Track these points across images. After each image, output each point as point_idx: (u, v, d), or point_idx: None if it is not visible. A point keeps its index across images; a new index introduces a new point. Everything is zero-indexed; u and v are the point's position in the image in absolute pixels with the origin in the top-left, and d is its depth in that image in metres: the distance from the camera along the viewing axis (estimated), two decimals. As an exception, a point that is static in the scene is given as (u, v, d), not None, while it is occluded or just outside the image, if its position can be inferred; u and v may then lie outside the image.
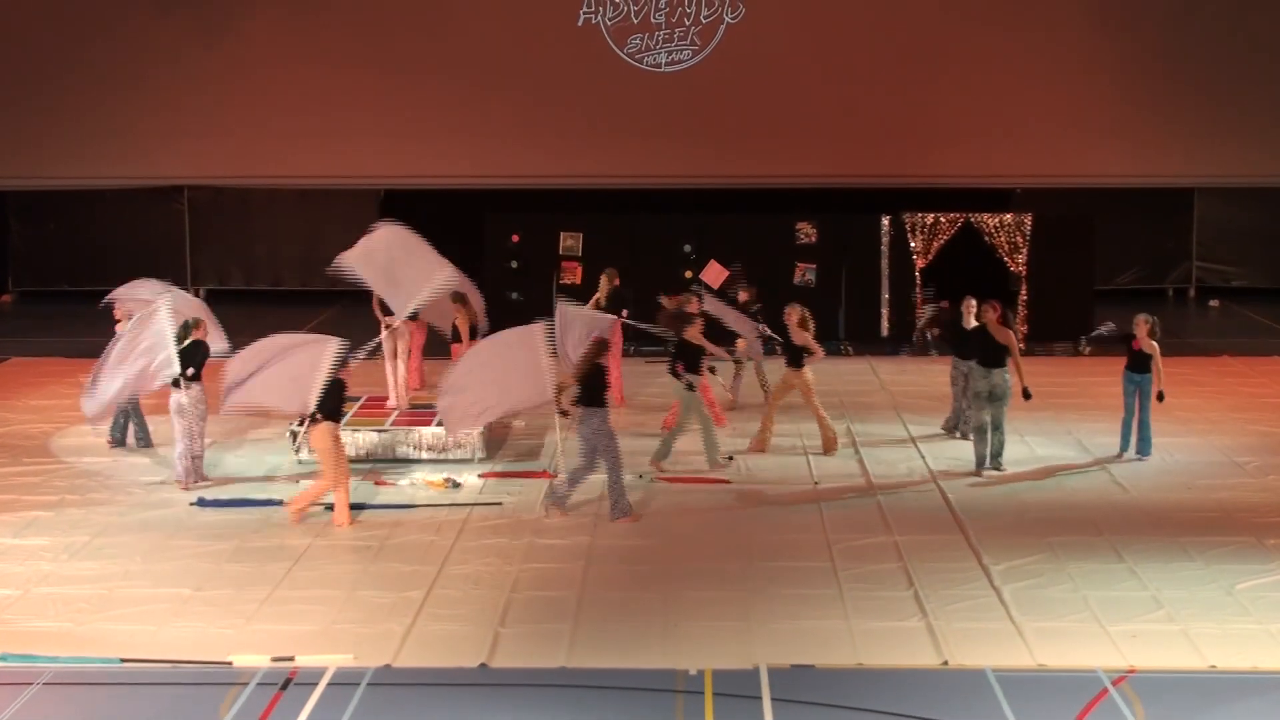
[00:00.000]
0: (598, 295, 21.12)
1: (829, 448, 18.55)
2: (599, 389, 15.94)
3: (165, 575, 14.29)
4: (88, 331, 27.22)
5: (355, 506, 16.38)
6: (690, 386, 17.78)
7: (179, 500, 16.63)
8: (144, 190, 31.37)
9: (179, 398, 17.09)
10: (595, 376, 15.97)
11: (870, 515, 16.08)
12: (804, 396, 18.69)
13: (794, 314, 18.62)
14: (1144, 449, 18.23)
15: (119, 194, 31.54)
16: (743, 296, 20.98)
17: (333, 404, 15.87)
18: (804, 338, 18.47)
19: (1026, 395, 17.76)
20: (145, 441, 18.88)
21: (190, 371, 17.08)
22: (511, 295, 25.97)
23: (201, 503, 16.58)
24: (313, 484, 16.25)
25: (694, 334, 18.05)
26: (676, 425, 18.13)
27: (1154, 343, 18.04)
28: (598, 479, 16.16)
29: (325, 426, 15.77)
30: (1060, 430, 19.60)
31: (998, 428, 17.68)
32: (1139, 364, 18.14)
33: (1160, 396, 18.00)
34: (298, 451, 18.03)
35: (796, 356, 18.59)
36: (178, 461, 17.21)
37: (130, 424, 18.94)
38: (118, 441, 18.90)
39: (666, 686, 11.76)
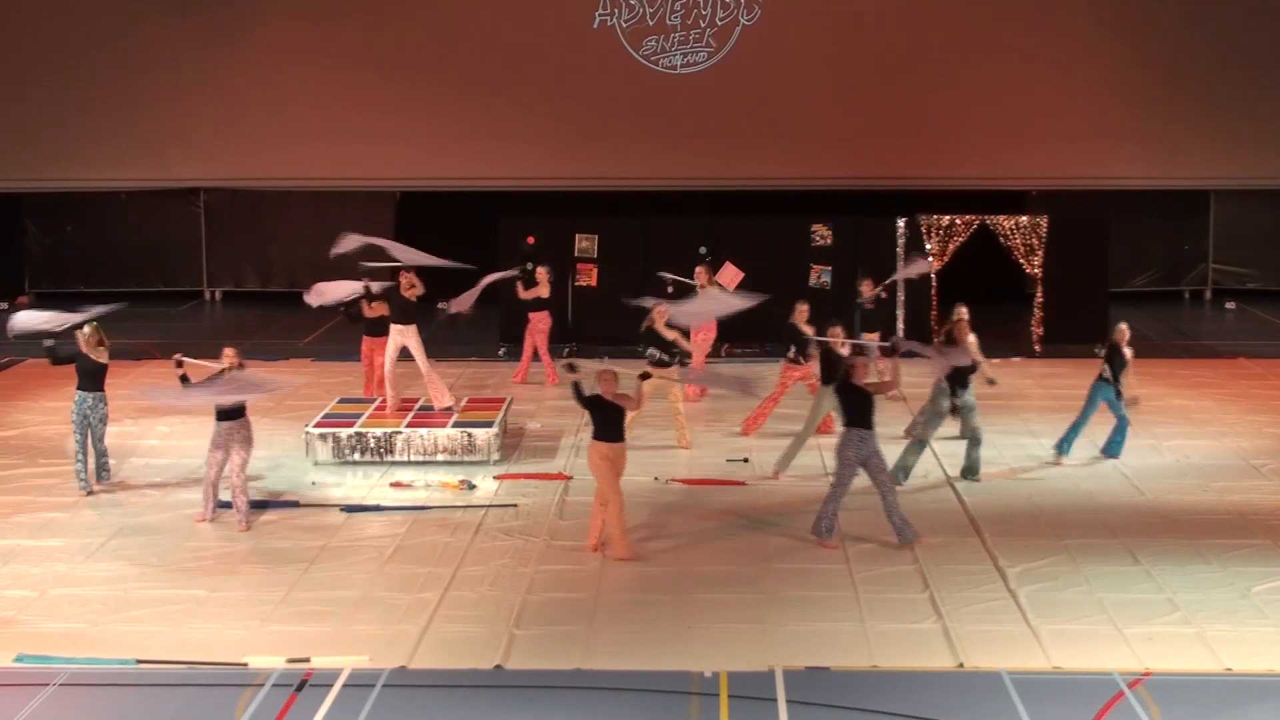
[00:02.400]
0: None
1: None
2: (865, 410, 15.27)
3: (181, 577, 14.32)
4: (104, 333, 27.28)
5: (370, 508, 16.41)
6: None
7: (195, 502, 16.63)
8: (160, 192, 31.42)
9: (235, 430, 16.03)
10: (860, 397, 15.32)
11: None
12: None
13: (659, 314, 18.94)
14: (1113, 450, 18.30)
15: (135, 196, 31.60)
16: (867, 293, 20.93)
17: (614, 428, 15.04)
18: (674, 334, 18.90)
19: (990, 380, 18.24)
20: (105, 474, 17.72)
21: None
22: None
23: (218, 504, 16.60)
24: (606, 515, 15.04)
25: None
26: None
27: (1128, 349, 18.11)
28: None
29: (597, 446, 14.99)
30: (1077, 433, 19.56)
31: (977, 442, 17.62)
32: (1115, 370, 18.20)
33: (1119, 395, 18.09)
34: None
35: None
36: (238, 500, 16.06)
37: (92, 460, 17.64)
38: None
39: (682, 688, 11.77)
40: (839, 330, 18.08)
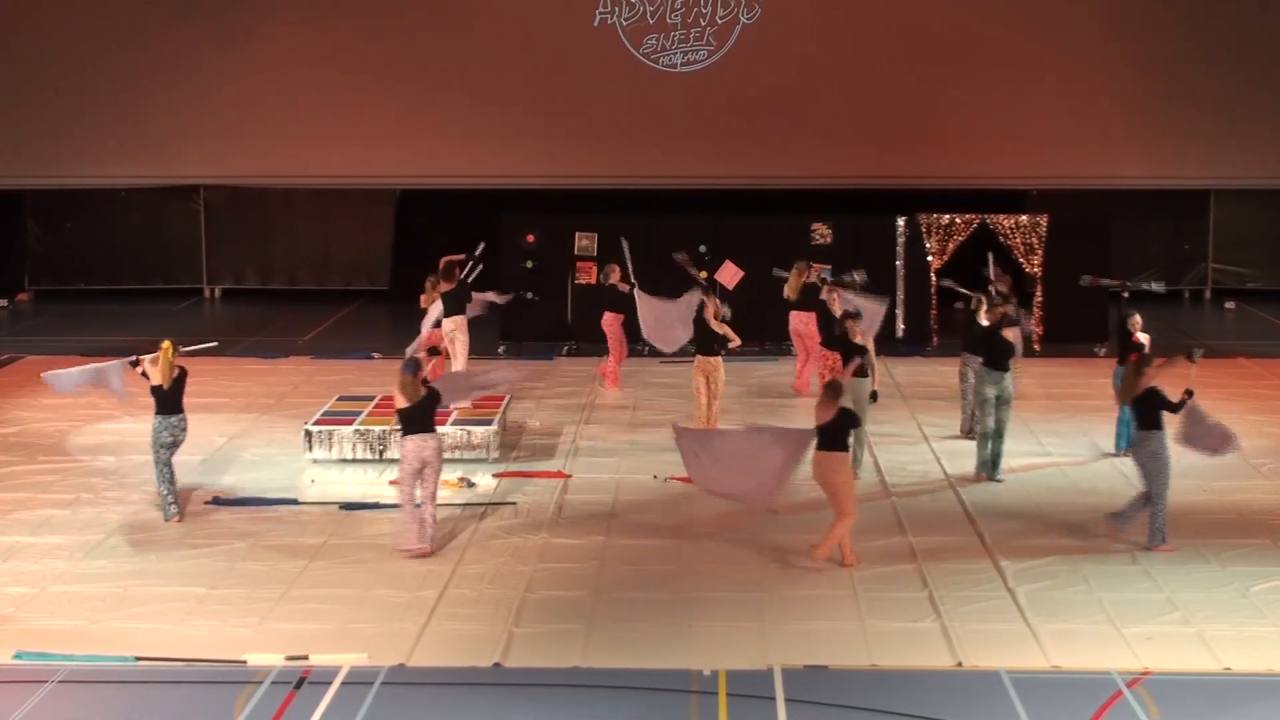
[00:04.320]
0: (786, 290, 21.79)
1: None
2: (1155, 410, 15.03)
3: (180, 574, 14.32)
4: (104, 330, 27.38)
5: (369, 506, 16.41)
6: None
7: (194, 499, 16.66)
8: (160, 190, 31.42)
9: (426, 445, 15.02)
10: (1153, 397, 15.06)
11: (884, 516, 16.07)
12: (712, 389, 18.94)
13: (710, 305, 18.94)
14: (1125, 444, 18.25)
15: (135, 193, 31.61)
16: (1002, 287, 20.91)
17: (843, 434, 14.80)
18: (723, 328, 18.81)
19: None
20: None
21: None
22: (526, 295, 25.98)
23: (216, 501, 16.61)
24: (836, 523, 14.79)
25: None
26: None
27: (1142, 335, 18.10)
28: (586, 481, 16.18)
29: (839, 457, 14.86)
30: (1074, 431, 19.56)
31: (1000, 435, 17.56)
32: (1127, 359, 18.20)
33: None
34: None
35: (708, 344, 18.85)
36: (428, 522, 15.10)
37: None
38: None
39: (681, 687, 11.76)
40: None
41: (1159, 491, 14.95)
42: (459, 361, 20.41)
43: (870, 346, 17.87)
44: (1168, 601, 13.50)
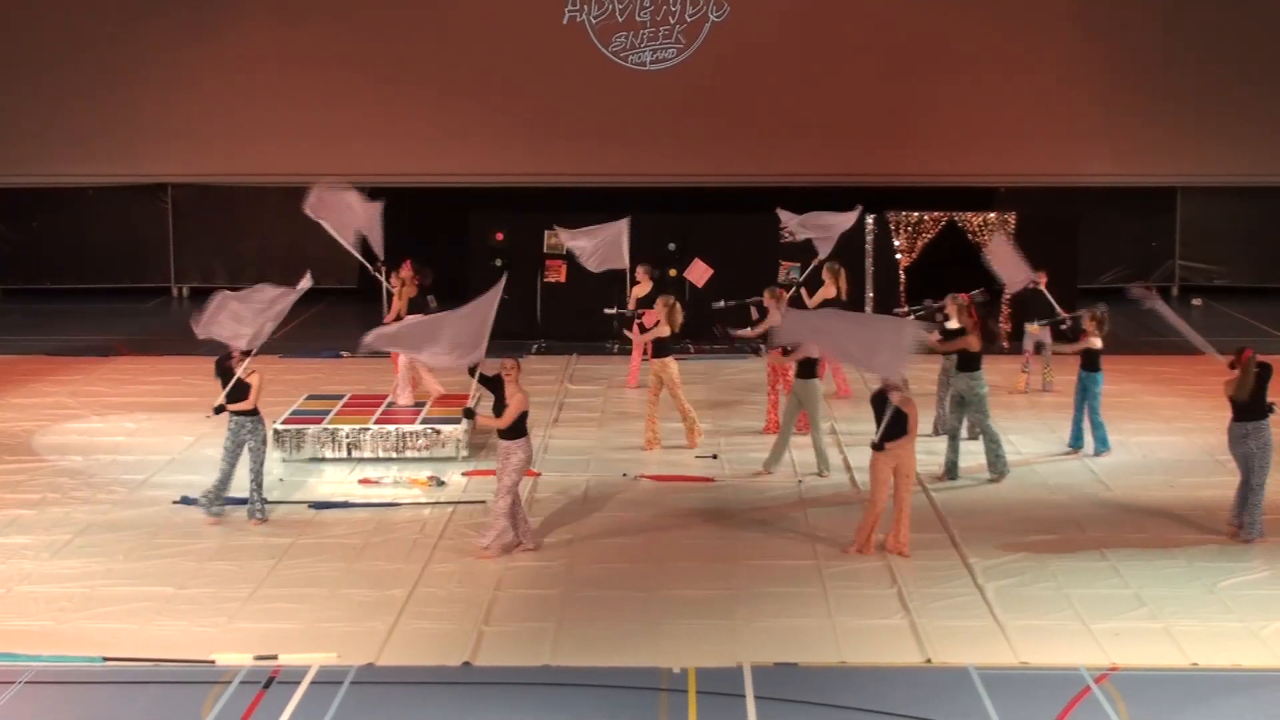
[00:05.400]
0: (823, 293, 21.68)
1: (691, 440, 18.81)
2: (1258, 401, 15.15)
3: (148, 574, 14.26)
4: (72, 329, 27.24)
5: (338, 505, 16.38)
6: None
7: (162, 499, 16.60)
8: (128, 188, 31.31)
9: (514, 450, 14.86)
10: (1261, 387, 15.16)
11: (853, 513, 16.05)
12: (669, 389, 18.81)
13: (663, 305, 18.91)
14: (1101, 444, 18.31)
15: (103, 192, 31.48)
16: (1042, 280, 20.86)
17: (898, 428, 14.66)
18: (665, 327, 18.80)
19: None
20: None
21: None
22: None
23: (185, 501, 16.54)
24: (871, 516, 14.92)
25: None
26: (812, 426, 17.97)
27: (1095, 338, 18.18)
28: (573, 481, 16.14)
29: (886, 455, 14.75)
30: (1043, 428, 19.62)
31: (988, 435, 17.60)
32: (1089, 361, 18.26)
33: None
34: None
35: (660, 347, 18.78)
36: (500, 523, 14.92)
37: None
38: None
39: (650, 685, 11.76)
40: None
41: (1262, 481, 15.13)
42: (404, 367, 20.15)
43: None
44: (1135, 597, 13.55)
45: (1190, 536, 15.25)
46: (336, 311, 29.66)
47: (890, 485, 14.76)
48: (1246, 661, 12.19)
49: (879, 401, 14.72)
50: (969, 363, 17.52)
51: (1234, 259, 31.71)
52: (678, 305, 19.10)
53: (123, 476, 17.57)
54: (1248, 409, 15.10)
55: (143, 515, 16.09)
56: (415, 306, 20.32)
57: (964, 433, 17.83)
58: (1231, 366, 15.26)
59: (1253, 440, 15.05)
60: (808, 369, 17.51)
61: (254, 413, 15.85)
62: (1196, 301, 30.81)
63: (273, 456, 18.06)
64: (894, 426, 14.59)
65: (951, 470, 17.49)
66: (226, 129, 30.28)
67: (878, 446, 14.69)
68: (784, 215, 22.80)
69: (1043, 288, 20.90)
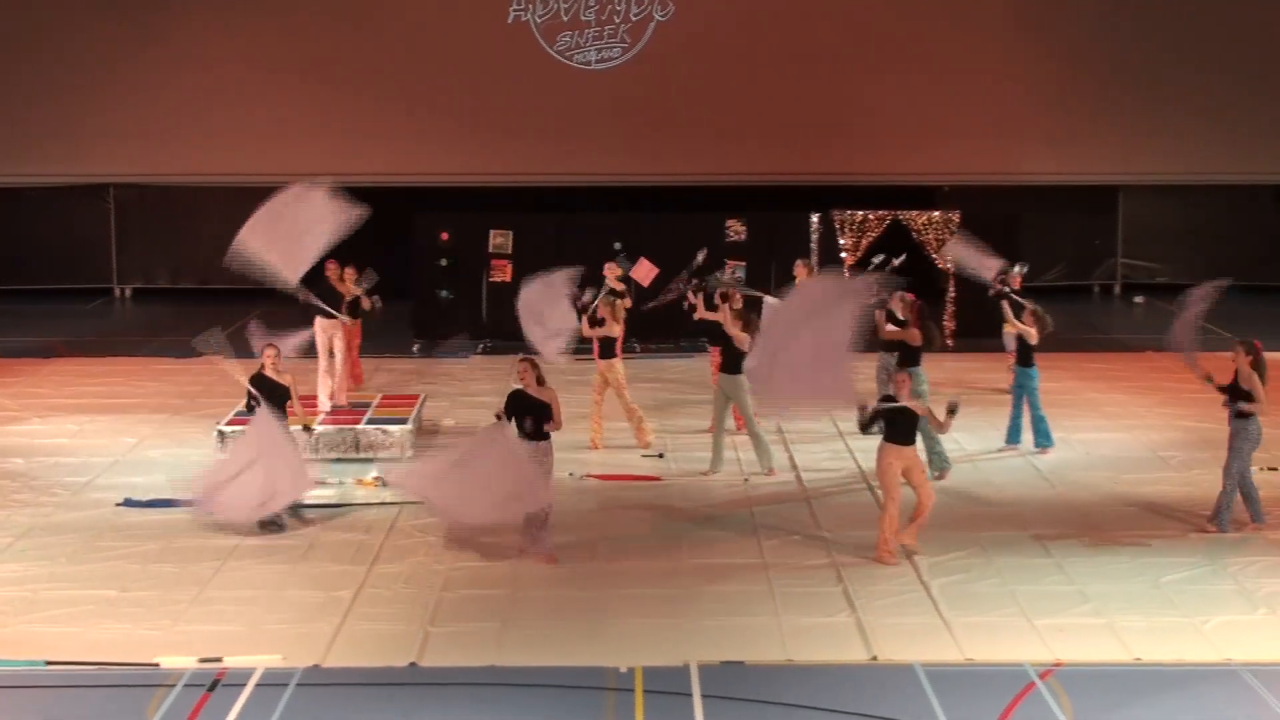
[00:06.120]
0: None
1: (641, 440, 18.74)
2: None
3: (91, 577, 14.16)
4: (12, 331, 27.00)
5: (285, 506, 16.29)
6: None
7: (105, 501, 16.48)
8: (70, 188, 31.06)
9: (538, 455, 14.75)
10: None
11: (800, 511, 16.14)
12: (615, 390, 18.79)
13: (606, 305, 18.82)
14: (1044, 439, 18.40)
15: (44, 192, 31.19)
16: (1016, 283, 20.84)
17: (908, 429, 14.67)
18: (615, 327, 18.71)
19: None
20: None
21: None
22: (441, 293, 25.94)
23: (128, 503, 16.43)
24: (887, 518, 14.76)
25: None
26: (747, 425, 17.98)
27: (1031, 330, 18.21)
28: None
29: (883, 448, 14.72)
30: (986, 425, 19.67)
31: (924, 432, 17.60)
32: (1023, 356, 18.34)
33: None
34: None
35: (607, 347, 18.68)
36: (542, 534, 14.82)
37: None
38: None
39: (597, 684, 11.76)
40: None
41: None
42: (323, 361, 20.06)
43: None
44: (1079, 594, 13.63)
45: (1134, 533, 15.35)
46: (280, 313, 29.50)
47: (902, 485, 14.68)
48: (1189, 656, 12.28)
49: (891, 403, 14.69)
50: (909, 358, 17.59)
51: (1175, 257, 31.92)
52: (618, 303, 19.06)
53: (65, 479, 17.43)
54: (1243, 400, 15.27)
55: (86, 518, 15.97)
56: (351, 309, 20.29)
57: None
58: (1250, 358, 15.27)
59: (1250, 432, 15.28)
60: (732, 363, 17.53)
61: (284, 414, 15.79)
62: (1138, 299, 31.04)
63: (217, 457, 17.98)
64: (900, 427, 14.58)
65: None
66: (170, 129, 30.07)
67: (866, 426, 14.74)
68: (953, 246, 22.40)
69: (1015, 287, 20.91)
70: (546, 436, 14.62)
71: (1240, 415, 15.17)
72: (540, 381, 14.63)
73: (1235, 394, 15.17)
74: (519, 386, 14.66)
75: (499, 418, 14.61)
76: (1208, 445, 17.98)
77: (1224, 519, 15.32)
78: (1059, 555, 14.63)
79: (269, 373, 15.97)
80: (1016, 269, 20.55)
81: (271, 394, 15.83)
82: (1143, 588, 13.79)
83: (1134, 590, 13.73)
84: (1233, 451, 15.25)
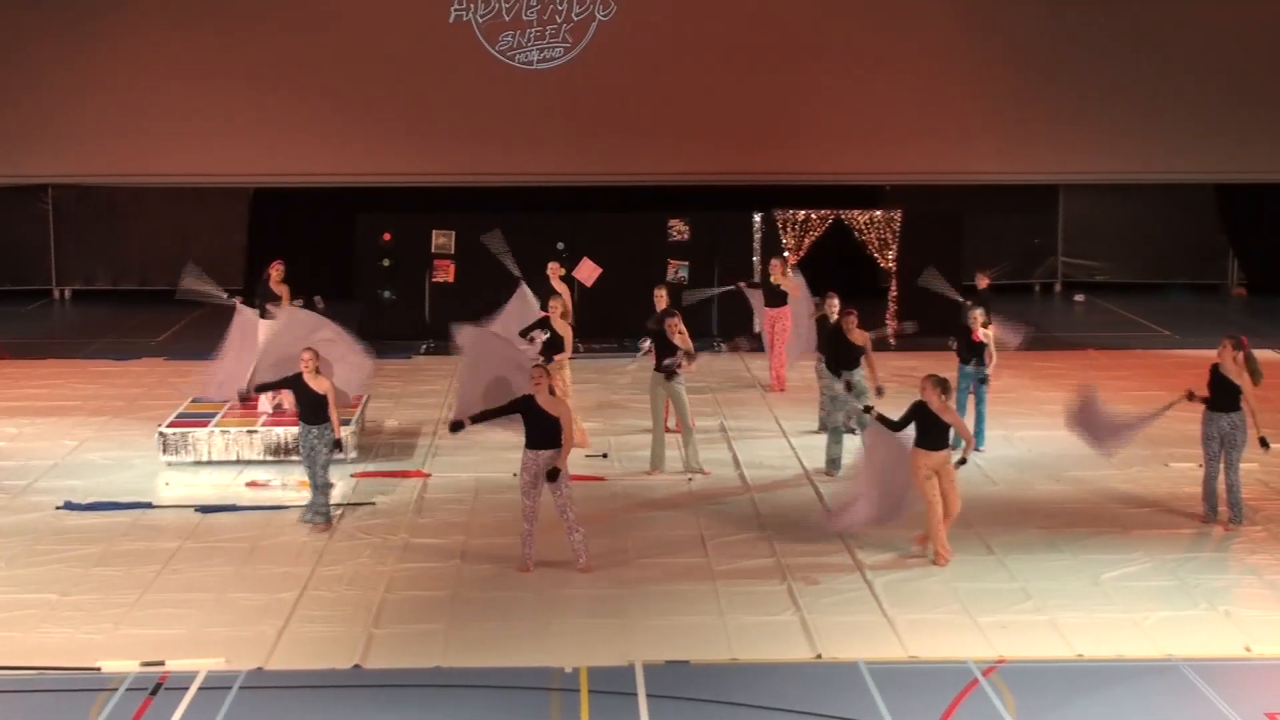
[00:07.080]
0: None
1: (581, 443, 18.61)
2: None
3: (31, 580, 14.05)
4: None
5: (226, 508, 16.21)
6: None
7: (45, 504, 16.36)
8: (7, 189, 30.79)
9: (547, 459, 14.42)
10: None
11: (744, 510, 16.17)
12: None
13: (556, 306, 18.75)
14: (977, 440, 18.51)
15: (-19, 193, 30.98)
16: (983, 283, 20.81)
17: (937, 435, 14.59)
18: (565, 329, 18.66)
19: (878, 391, 17.74)
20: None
21: None
22: (384, 294, 25.88)
23: (68, 506, 16.31)
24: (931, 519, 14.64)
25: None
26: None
27: (986, 332, 18.29)
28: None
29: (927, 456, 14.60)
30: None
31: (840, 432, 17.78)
32: (967, 356, 18.41)
33: (984, 380, 18.29)
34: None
35: (551, 349, 18.60)
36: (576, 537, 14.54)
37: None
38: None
39: (542, 685, 11.75)
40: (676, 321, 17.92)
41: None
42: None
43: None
44: (1021, 591, 13.71)
45: (1075, 529, 15.46)
46: (222, 313, 29.35)
47: (936, 487, 14.61)
48: (1129, 652, 12.38)
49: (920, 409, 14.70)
50: (846, 360, 17.72)
51: (1115, 255, 32.23)
52: (559, 303, 19.03)
53: (4, 482, 17.28)
54: (1235, 398, 15.45)
55: (25, 521, 15.84)
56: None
57: (844, 426, 17.93)
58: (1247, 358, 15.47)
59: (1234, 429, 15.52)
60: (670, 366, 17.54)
61: (324, 420, 15.56)
62: (1079, 298, 31.26)
63: (158, 460, 17.91)
64: (929, 433, 14.59)
65: (834, 464, 17.61)
66: (108, 130, 29.83)
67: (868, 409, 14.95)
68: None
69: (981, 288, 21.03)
70: (557, 445, 14.29)
71: (1233, 410, 15.42)
72: (552, 392, 14.48)
73: (1221, 397, 15.41)
74: (530, 393, 14.36)
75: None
76: (1149, 443, 18.12)
77: (1238, 512, 15.57)
78: (1001, 553, 14.72)
79: (307, 379, 15.47)
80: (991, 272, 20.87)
81: (306, 400, 15.51)
82: (1083, 584, 13.89)
83: (1075, 587, 13.83)
84: (1235, 446, 15.49)
